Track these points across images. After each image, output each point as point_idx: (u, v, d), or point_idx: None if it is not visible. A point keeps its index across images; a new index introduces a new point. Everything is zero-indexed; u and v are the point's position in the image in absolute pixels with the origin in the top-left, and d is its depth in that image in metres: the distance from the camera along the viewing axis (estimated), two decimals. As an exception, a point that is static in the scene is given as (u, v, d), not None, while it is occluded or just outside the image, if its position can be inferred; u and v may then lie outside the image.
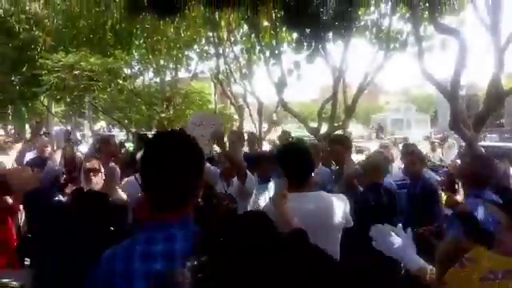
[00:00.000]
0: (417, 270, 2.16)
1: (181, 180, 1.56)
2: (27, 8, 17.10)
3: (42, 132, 18.39)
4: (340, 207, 2.90)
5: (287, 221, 2.38)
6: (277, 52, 11.04)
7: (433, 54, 9.92)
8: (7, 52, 17.23)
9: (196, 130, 4.09)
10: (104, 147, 4.78)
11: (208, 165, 4.14)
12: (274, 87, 10.99)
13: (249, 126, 14.80)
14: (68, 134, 11.78)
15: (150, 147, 1.64)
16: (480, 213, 3.15)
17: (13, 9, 17.34)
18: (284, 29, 11.06)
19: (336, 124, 10.62)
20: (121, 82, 15.49)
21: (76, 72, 13.41)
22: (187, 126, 4.51)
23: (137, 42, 16.48)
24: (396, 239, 2.31)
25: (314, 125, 10.97)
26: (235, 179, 4.40)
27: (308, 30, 8.55)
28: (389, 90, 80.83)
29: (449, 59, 7.23)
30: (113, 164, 4.78)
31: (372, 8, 10.34)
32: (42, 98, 20.17)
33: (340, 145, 4.73)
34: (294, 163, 2.98)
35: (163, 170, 1.55)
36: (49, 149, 6.26)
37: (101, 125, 21.38)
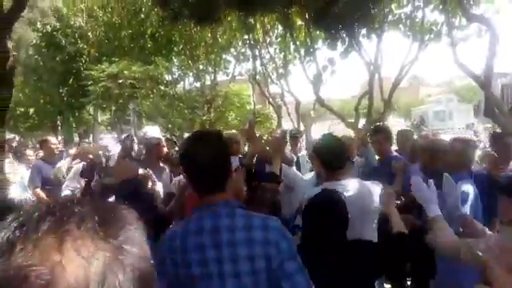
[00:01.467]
0: (430, 217, 2.41)
1: (214, 168, 1.88)
2: (72, 23, 18.00)
3: (87, 140, 19.27)
4: (376, 193, 3.02)
5: (395, 221, 2.60)
6: (311, 50, 11.23)
7: (469, 44, 9.88)
8: (55, 66, 18.13)
9: None
10: (155, 149, 5.16)
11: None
12: (310, 84, 11.19)
13: (287, 125, 15.02)
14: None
15: (189, 145, 2.00)
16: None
17: (58, 24, 18.28)
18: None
19: (374, 118, 10.71)
20: (162, 88, 16.03)
21: (120, 81, 13.98)
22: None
23: (176, 49, 16.97)
24: (427, 188, 2.54)
25: (352, 120, 11.11)
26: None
27: (340, 27, 8.70)
28: (430, 83, 79.04)
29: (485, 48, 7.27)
30: (162, 164, 5.15)
31: (405, 1, 10.37)
32: (88, 107, 21.07)
33: (381, 134, 4.83)
34: (328, 154, 3.18)
35: (201, 162, 1.88)
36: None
37: (144, 131, 21.99)
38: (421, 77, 79.50)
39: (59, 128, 24.73)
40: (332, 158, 3.18)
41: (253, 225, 1.79)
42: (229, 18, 11.38)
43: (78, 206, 0.61)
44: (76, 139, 22.14)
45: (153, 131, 6.35)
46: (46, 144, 6.81)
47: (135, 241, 0.62)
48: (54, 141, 7.07)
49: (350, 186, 3.04)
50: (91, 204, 0.63)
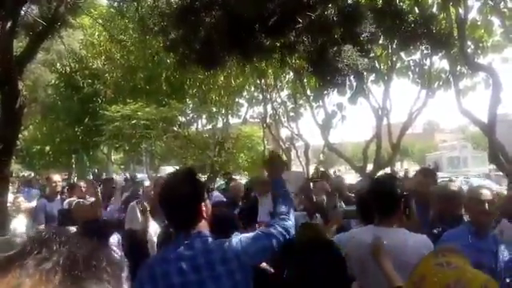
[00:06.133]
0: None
1: (185, 207, 2.18)
2: (90, 64, 18.54)
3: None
4: (417, 247, 2.72)
5: (388, 275, 2.49)
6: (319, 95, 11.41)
7: (478, 91, 9.96)
8: (72, 105, 18.57)
9: None
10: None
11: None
12: (319, 129, 11.33)
13: (296, 167, 15.06)
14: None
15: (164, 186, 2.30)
16: None
17: (77, 66, 18.85)
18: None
19: (383, 163, 10.74)
20: (175, 129, 16.25)
21: (134, 121, 14.22)
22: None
23: (190, 92, 17.29)
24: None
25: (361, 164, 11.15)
26: None
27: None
28: (444, 128, 78.86)
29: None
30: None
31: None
32: (102, 146, 21.38)
33: (427, 177, 4.49)
34: (374, 198, 3.01)
35: (173, 203, 2.22)
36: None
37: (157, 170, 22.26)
38: (435, 123, 79.42)
39: (73, 166, 25.05)
40: (375, 203, 2.97)
41: (224, 247, 2.15)
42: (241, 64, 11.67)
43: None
44: (89, 177, 22.35)
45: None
46: (48, 181, 6.92)
47: None
48: (56, 178, 7.09)
49: (389, 235, 2.75)
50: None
